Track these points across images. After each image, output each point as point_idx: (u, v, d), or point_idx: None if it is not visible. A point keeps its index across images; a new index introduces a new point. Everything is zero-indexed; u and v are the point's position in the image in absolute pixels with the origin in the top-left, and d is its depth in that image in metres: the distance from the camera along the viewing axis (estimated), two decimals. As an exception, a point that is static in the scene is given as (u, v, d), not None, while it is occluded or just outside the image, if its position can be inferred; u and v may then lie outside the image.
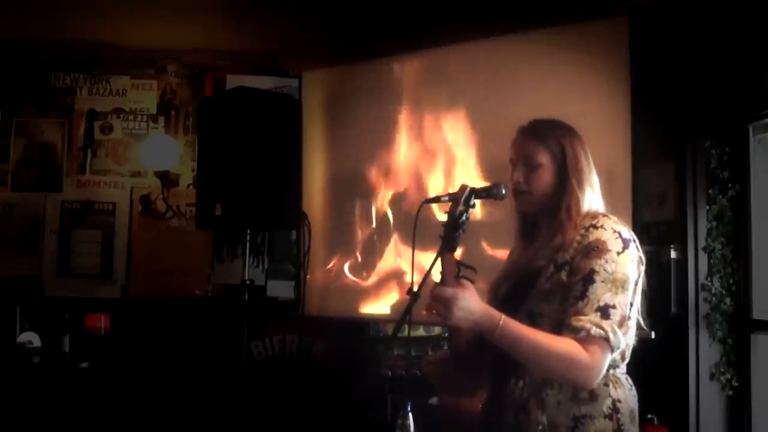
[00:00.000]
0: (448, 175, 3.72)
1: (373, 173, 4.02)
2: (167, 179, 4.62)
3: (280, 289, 4.48)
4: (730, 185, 3.12)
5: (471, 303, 1.65)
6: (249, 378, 3.69)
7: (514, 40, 3.56)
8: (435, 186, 3.74)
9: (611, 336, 1.62)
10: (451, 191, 1.79)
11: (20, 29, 4.30)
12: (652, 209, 3.33)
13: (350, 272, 4.07)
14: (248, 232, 3.78)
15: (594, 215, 1.77)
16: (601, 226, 1.72)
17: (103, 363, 4.09)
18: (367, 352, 4.11)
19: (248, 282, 3.72)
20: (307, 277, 4.07)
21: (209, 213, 3.55)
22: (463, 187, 1.76)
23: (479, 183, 1.90)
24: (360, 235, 4.05)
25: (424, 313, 1.70)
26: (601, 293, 1.65)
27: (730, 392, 3.09)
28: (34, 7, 3.95)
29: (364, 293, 4.00)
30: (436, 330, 4.07)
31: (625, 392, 1.74)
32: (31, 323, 4.22)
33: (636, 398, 1.77)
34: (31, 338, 4.13)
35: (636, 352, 1.78)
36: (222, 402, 3.77)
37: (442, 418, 1.88)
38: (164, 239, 4.66)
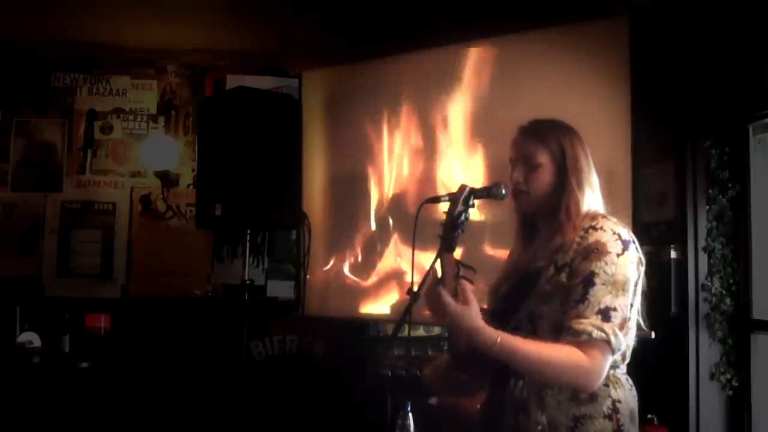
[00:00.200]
0: (449, 175, 3.72)
1: (373, 173, 4.02)
2: (167, 179, 4.62)
3: (280, 289, 4.48)
4: (730, 185, 3.12)
5: (469, 323, 1.63)
6: (249, 378, 3.69)
7: (514, 40, 3.55)
8: (435, 186, 3.74)
9: (612, 338, 1.62)
10: (451, 191, 1.79)
11: (20, 29, 4.30)
12: (652, 209, 3.33)
13: (350, 272, 4.07)
14: (248, 232, 3.78)
15: (593, 216, 1.76)
16: (601, 228, 1.72)
17: (103, 363, 4.09)
18: (367, 352, 4.10)
19: (248, 282, 3.72)
20: (307, 277, 4.07)
21: (209, 213, 3.55)
22: (462, 188, 1.76)
23: (480, 183, 1.90)
24: (360, 235, 4.05)
25: (427, 312, 1.70)
26: (601, 296, 1.65)
27: (730, 392, 3.09)
28: (34, 7, 3.95)
29: (364, 293, 3.99)
30: (436, 330, 4.06)
31: (625, 392, 1.74)
32: (31, 323, 4.22)
33: (636, 398, 1.77)
34: (31, 338, 4.13)
35: (636, 352, 1.78)
36: (222, 402, 3.77)
37: (442, 418, 1.88)
38: (164, 239, 4.66)
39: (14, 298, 4.28)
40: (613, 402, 1.70)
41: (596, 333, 1.62)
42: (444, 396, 1.85)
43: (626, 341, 1.69)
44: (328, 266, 4.16)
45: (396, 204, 3.92)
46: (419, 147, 3.87)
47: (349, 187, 4.10)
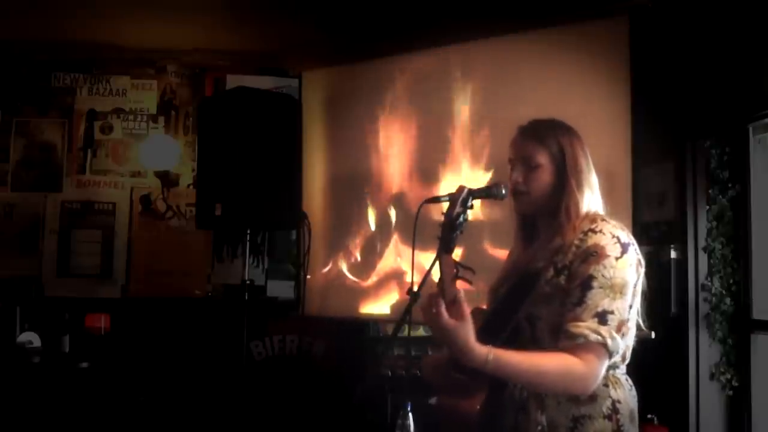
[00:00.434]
0: (449, 175, 3.72)
1: (373, 173, 4.02)
2: (167, 179, 4.62)
3: (280, 289, 4.48)
4: (730, 185, 3.12)
5: (462, 340, 1.60)
6: (249, 378, 3.69)
7: (514, 40, 3.56)
8: (435, 186, 3.74)
9: (609, 342, 1.62)
10: (451, 192, 1.78)
11: (20, 29, 4.30)
12: (652, 209, 3.33)
13: (350, 272, 4.07)
14: (248, 232, 3.79)
15: (593, 218, 1.76)
16: (600, 231, 1.71)
17: (103, 363, 4.09)
18: (367, 352, 4.10)
19: (248, 282, 3.73)
20: (307, 277, 4.07)
21: (209, 213, 3.55)
22: (461, 189, 1.75)
23: (480, 183, 1.90)
24: (360, 235, 4.05)
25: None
26: (599, 299, 1.64)
27: (730, 392, 3.09)
28: (34, 7, 3.95)
29: (364, 293, 4.00)
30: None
31: (625, 393, 1.74)
32: (31, 323, 4.22)
33: (636, 399, 1.77)
34: (31, 338, 4.13)
35: (636, 352, 1.78)
36: (222, 402, 3.78)
37: (442, 418, 1.87)
38: (164, 239, 4.66)
39: (14, 298, 4.28)
40: (613, 402, 1.70)
41: (593, 336, 1.61)
42: (444, 396, 1.84)
43: (625, 342, 1.69)
44: (328, 266, 4.16)
45: (396, 204, 3.92)
46: (419, 147, 3.87)
47: (349, 187, 4.10)
